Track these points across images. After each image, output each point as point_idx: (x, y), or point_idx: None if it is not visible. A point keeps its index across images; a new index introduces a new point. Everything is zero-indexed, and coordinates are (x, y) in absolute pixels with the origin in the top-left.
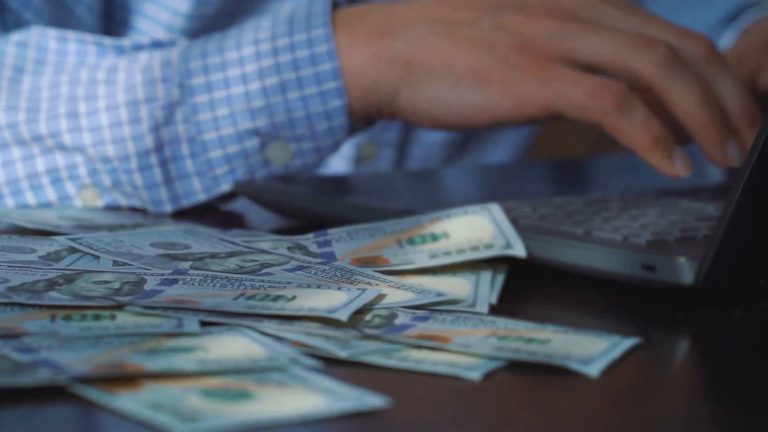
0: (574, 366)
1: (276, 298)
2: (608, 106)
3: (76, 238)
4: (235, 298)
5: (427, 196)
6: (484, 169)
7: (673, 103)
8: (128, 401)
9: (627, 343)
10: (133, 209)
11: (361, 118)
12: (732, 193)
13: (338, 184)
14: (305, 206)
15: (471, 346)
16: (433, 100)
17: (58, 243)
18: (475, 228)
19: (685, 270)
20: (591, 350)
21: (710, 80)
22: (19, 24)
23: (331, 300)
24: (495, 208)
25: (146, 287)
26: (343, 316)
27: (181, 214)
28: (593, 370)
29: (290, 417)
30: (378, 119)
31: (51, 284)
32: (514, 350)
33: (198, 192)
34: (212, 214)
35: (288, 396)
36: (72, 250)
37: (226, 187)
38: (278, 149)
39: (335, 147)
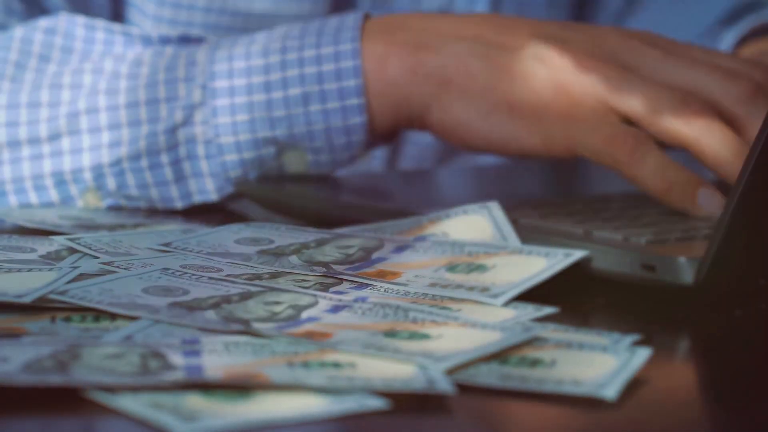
0: (588, 392)
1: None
2: (621, 154)
3: (74, 237)
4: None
5: (427, 196)
6: (484, 169)
7: (700, 155)
8: (128, 401)
9: (638, 360)
10: (134, 208)
11: (387, 130)
12: (732, 193)
13: (338, 184)
14: (305, 206)
15: (476, 376)
16: (463, 123)
17: (58, 243)
18: (475, 229)
19: (685, 270)
20: (601, 370)
21: (751, 121)
22: (43, 11)
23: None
24: (494, 207)
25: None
26: (611, 394)
27: (186, 215)
28: (609, 393)
29: (290, 417)
30: (403, 132)
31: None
32: (521, 379)
33: (210, 192)
34: (212, 213)
35: (288, 396)
36: (72, 251)
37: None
38: (294, 157)
39: (351, 161)
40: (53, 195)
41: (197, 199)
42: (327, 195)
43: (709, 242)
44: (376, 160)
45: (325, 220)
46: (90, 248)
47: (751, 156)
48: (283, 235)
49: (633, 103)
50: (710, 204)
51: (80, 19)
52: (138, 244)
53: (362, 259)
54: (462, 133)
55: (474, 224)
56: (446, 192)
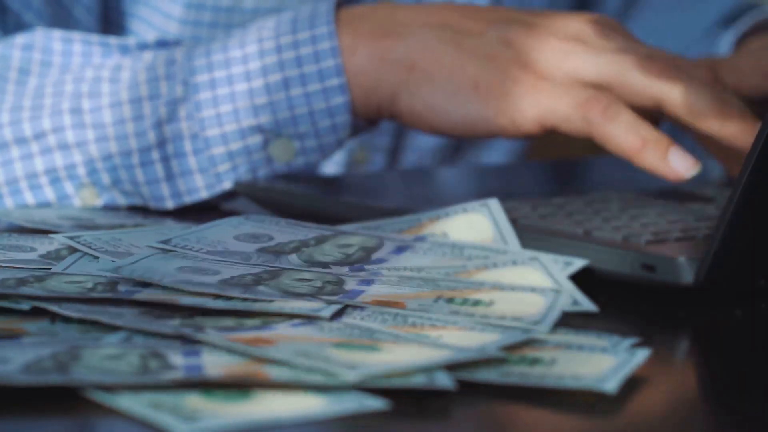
0: (589, 385)
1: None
2: (593, 115)
3: (74, 236)
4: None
5: (426, 195)
6: (484, 169)
7: (676, 110)
8: (128, 401)
9: (638, 358)
10: (133, 208)
11: (363, 117)
12: (732, 193)
13: (338, 183)
14: (305, 206)
15: (477, 372)
16: (431, 107)
17: (57, 242)
18: (474, 229)
19: (685, 270)
20: (600, 367)
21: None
22: (19, 25)
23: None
24: (494, 205)
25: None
26: (611, 387)
27: (181, 215)
28: (610, 386)
29: (290, 417)
30: (379, 120)
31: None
32: (521, 375)
33: (200, 189)
34: (213, 213)
35: (288, 396)
36: (72, 249)
37: (227, 184)
38: (281, 147)
39: (338, 145)
40: (49, 194)
41: (187, 199)
42: (327, 195)
43: (709, 242)
44: (375, 166)
45: (326, 219)
46: (90, 247)
47: (751, 156)
48: (283, 231)
49: (599, 69)
50: (681, 164)
51: (56, 33)
52: (138, 242)
53: (362, 259)
54: (431, 118)
55: (474, 224)
56: (446, 191)
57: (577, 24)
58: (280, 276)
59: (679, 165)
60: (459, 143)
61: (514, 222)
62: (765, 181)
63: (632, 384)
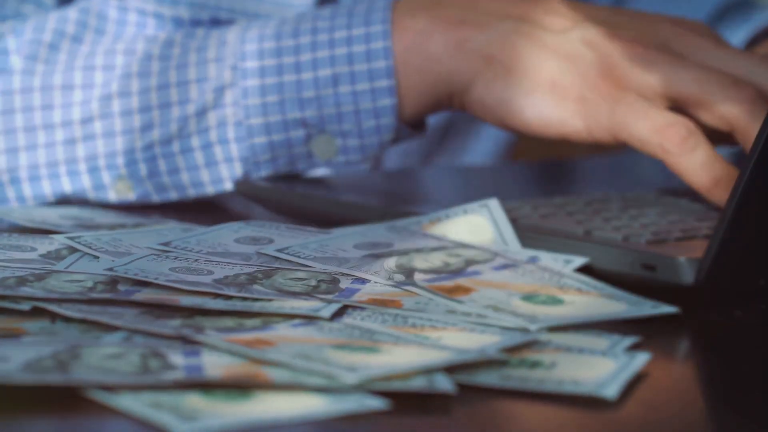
0: (588, 391)
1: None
2: (670, 144)
3: (74, 236)
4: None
5: (427, 196)
6: (484, 169)
7: (746, 144)
8: (128, 401)
9: (638, 362)
10: (133, 208)
11: (418, 113)
12: (732, 193)
13: (339, 184)
14: (305, 206)
15: (476, 375)
16: (504, 102)
17: (57, 242)
18: (474, 231)
19: (685, 270)
20: (600, 371)
21: None
22: None
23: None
24: (494, 206)
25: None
26: (611, 393)
27: (182, 215)
28: (610, 392)
29: (290, 417)
30: (428, 122)
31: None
32: (520, 379)
33: (238, 176)
34: (212, 213)
35: (288, 396)
36: (72, 250)
37: (264, 172)
38: (323, 143)
39: (380, 147)
40: (86, 181)
41: (228, 186)
42: (327, 195)
43: (709, 242)
44: None
45: (326, 219)
46: (90, 247)
47: (751, 156)
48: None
49: (684, 86)
50: None
51: (113, 1)
52: (138, 243)
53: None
54: (502, 113)
55: (474, 226)
56: (446, 191)
57: (666, 30)
58: (274, 275)
59: None
60: (445, 131)
61: (514, 222)
62: (765, 181)
63: (632, 384)
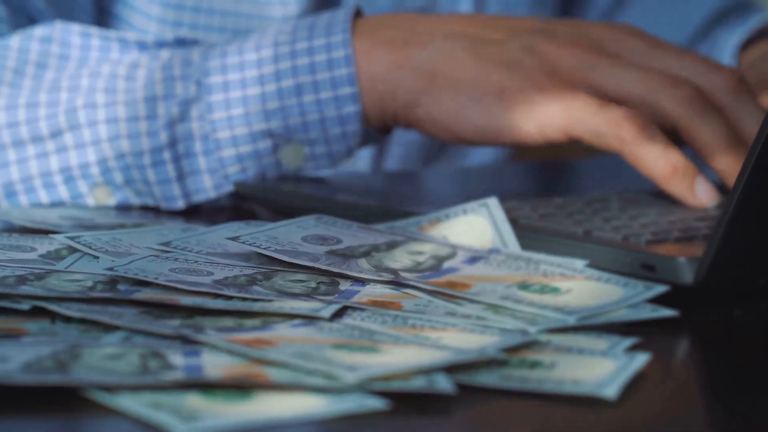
0: (588, 391)
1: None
2: (627, 134)
3: (74, 236)
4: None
5: (426, 196)
6: (484, 169)
7: (697, 142)
8: (128, 401)
9: (637, 363)
10: (133, 208)
11: (377, 126)
12: (732, 193)
13: (339, 184)
14: (305, 206)
15: (476, 375)
16: (453, 113)
17: (57, 241)
18: (474, 231)
19: (685, 270)
20: (600, 371)
21: (737, 113)
22: (24, 8)
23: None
24: (494, 205)
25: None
26: (611, 393)
27: (183, 215)
28: (610, 392)
29: (290, 417)
30: (394, 127)
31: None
32: (520, 379)
33: (208, 189)
34: (212, 213)
35: (288, 396)
36: (72, 249)
37: (231, 186)
38: (291, 152)
39: (348, 153)
40: (63, 192)
41: (195, 198)
42: (327, 195)
43: (709, 242)
44: (362, 160)
45: None
46: (90, 247)
47: (751, 156)
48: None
49: (625, 86)
50: (706, 195)
51: (75, 27)
52: (138, 243)
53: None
54: (452, 125)
55: (473, 226)
56: (446, 191)
57: (600, 33)
58: (274, 276)
59: (704, 195)
60: None
61: (514, 222)
62: (765, 181)
63: (632, 384)
